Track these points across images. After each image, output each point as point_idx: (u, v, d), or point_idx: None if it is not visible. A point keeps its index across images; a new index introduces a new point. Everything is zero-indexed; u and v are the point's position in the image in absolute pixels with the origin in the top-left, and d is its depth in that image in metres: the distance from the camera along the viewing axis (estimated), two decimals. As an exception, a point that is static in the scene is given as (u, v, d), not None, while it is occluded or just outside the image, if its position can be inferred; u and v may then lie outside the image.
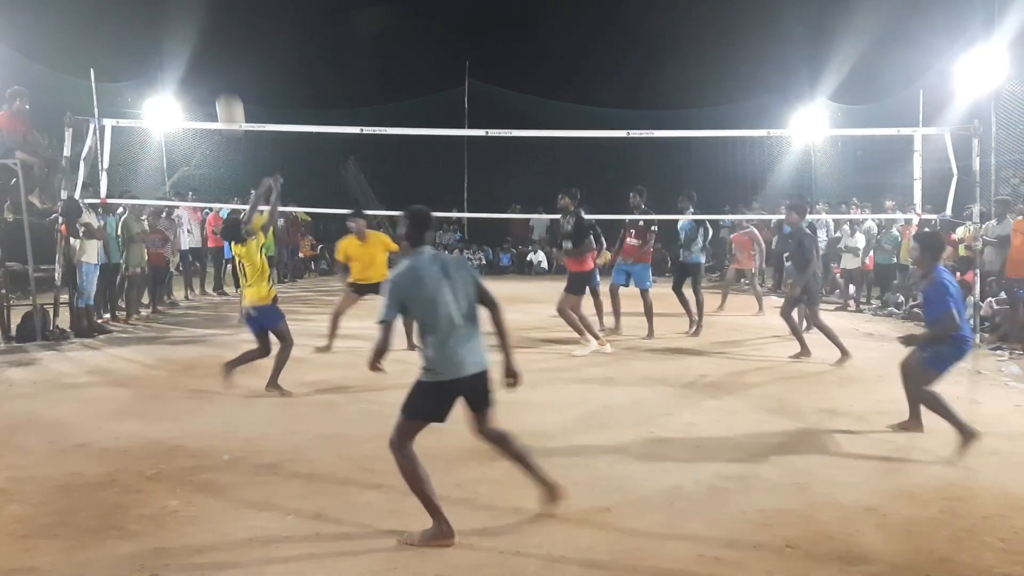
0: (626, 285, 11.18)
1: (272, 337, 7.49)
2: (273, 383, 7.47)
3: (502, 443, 4.61)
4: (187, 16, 20.10)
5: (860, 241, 14.48)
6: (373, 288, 8.89)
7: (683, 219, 11.79)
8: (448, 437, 6.12)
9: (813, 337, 9.66)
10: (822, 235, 15.63)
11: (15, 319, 10.31)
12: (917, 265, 6.57)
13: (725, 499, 4.91)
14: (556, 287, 14.72)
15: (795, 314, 9.59)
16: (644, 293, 11.06)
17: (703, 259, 12.03)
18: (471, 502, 4.81)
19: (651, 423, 6.64)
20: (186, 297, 15.25)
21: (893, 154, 14.48)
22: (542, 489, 4.58)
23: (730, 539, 4.32)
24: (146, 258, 12.56)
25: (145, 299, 13.26)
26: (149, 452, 5.68)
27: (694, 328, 11.31)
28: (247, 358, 7.56)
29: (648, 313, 11.00)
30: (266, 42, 24.45)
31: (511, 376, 4.59)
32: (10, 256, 10.35)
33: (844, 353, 9.14)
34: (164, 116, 17.73)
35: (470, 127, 22.08)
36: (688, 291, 11.53)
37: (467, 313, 4.41)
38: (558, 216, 9.68)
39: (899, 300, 13.63)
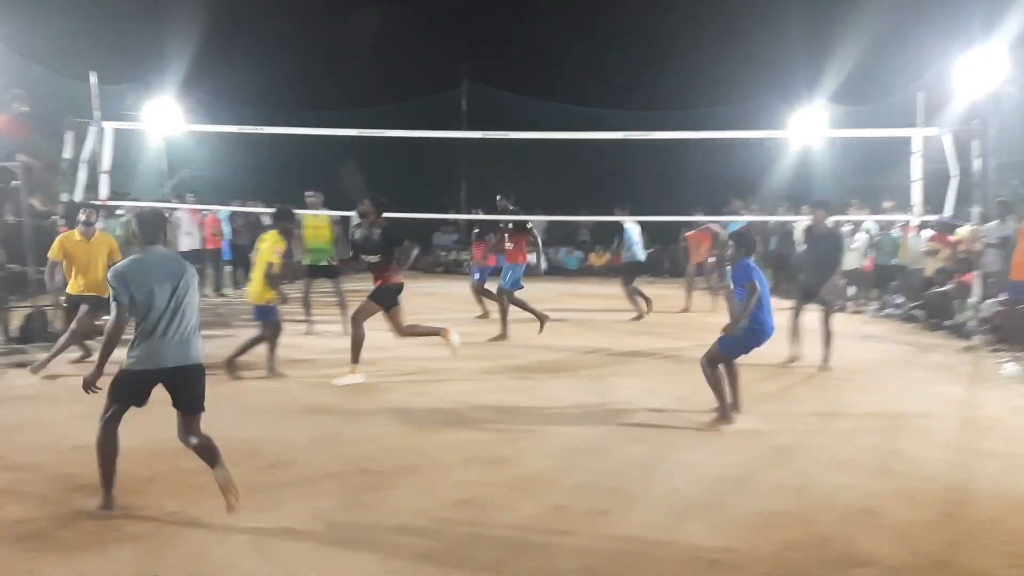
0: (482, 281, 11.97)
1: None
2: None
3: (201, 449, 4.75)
4: (187, 18, 20.10)
5: (860, 242, 14.48)
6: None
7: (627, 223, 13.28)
8: (447, 440, 6.15)
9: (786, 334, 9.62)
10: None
11: (15, 321, 10.31)
12: (730, 259, 7.04)
13: (722, 501, 4.93)
14: (553, 287, 14.80)
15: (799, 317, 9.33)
16: (501, 292, 11.29)
17: (643, 257, 13.73)
18: (468, 503, 4.82)
19: (647, 425, 6.65)
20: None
21: (892, 155, 14.44)
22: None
23: (727, 541, 4.33)
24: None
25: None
26: (148, 454, 5.69)
27: (638, 315, 12.86)
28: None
29: (503, 314, 11.13)
30: (265, 44, 24.47)
31: None
32: (11, 258, 10.36)
33: (825, 360, 8.97)
34: (164, 118, 17.73)
35: (468, 129, 22.10)
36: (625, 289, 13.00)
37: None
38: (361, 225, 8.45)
39: (898, 301, 13.63)
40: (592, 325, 12.50)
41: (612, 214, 13.48)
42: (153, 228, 4.87)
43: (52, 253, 8.97)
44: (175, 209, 14.71)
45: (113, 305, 4.66)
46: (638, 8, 25.26)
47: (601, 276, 22.09)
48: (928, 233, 13.35)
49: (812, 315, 9.20)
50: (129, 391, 4.73)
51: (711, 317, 13.07)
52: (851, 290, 14.82)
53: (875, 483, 5.28)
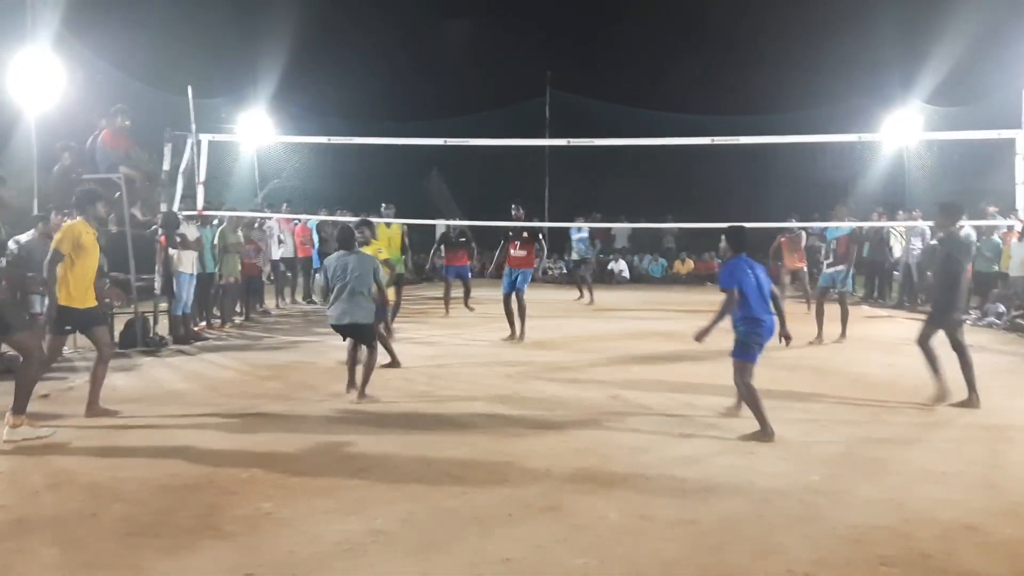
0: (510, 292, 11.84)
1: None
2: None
3: None
4: (279, 34, 20.73)
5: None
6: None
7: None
8: (533, 447, 6.15)
9: (883, 343, 9.32)
10: (917, 243, 15.17)
11: (118, 326, 10.75)
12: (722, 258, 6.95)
13: (815, 514, 4.80)
14: (637, 296, 14.72)
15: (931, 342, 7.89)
16: (519, 294, 11.75)
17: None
18: (555, 510, 4.81)
19: (737, 435, 6.53)
20: (277, 305, 15.67)
21: (992, 158, 13.90)
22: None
23: (821, 555, 4.21)
24: (240, 268, 12.97)
25: (238, 307, 13.69)
26: (244, 455, 5.86)
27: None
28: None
29: (522, 314, 11.73)
30: (353, 58, 25.01)
31: None
32: (114, 266, 10.82)
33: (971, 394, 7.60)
34: (257, 130, 18.26)
35: (551, 136, 22.14)
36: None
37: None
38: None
39: (1000, 310, 13.10)
40: (675, 335, 12.35)
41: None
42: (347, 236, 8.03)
43: None
44: (268, 218, 15.13)
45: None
46: (727, 11, 24.96)
47: (687, 284, 21.85)
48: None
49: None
50: None
51: (800, 323, 12.83)
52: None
53: (977, 498, 5.08)
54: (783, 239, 15.22)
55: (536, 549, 4.29)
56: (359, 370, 7.82)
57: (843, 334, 11.57)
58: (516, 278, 11.71)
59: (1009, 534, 4.51)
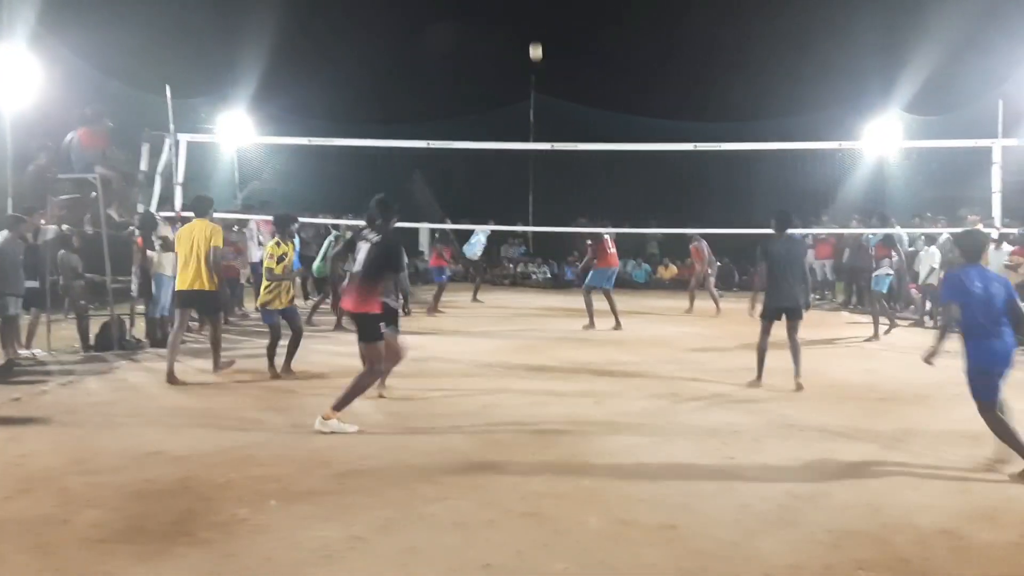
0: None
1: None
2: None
3: None
4: (259, 33, 20.57)
5: (935, 255, 14.09)
6: None
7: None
8: (513, 452, 6.14)
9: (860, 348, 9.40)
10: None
11: (94, 328, 10.63)
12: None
13: (794, 518, 4.81)
14: (620, 301, 14.72)
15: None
16: (607, 293, 13.34)
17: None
18: (535, 516, 4.79)
19: (717, 440, 6.54)
20: (256, 308, 15.52)
21: (970, 166, 14.06)
22: None
23: (799, 560, 4.22)
24: (219, 269, 12.85)
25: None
26: (220, 460, 5.80)
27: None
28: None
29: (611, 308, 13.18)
30: (335, 59, 24.88)
31: None
32: (90, 267, 10.71)
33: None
34: (236, 131, 18.15)
35: (535, 140, 22.15)
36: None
37: None
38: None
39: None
40: (657, 340, 12.40)
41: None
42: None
43: None
44: (247, 220, 15.02)
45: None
46: (709, 19, 25.08)
47: (670, 289, 21.86)
48: (1008, 246, 12.92)
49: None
50: None
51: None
52: (927, 305, 14.43)
53: (954, 503, 5.11)
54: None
55: (516, 555, 4.27)
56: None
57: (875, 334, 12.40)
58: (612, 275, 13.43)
59: (984, 538, 4.53)
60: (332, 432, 6.51)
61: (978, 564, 4.21)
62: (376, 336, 6.80)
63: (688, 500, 5.10)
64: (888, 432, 6.87)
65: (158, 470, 5.57)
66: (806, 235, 17.14)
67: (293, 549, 4.30)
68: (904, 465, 5.92)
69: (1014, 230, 11.90)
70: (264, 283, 9.06)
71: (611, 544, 4.41)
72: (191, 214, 12.70)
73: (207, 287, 8.74)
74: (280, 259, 8.97)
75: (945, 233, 14.16)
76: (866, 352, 11.13)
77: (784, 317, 8.69)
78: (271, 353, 9.05)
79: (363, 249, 6.93)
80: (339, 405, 6.62)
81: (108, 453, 5.98)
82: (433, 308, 15.20)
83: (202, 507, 4.86)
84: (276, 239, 9.12)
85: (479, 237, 17.95)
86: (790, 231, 8.86)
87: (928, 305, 14.39)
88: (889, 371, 9.67)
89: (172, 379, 8.47)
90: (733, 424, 7.07)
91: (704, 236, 15.81)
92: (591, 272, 13.56)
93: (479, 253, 18.35)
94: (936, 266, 14.07)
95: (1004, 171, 11.56)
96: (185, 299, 8.92)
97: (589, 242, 13.72)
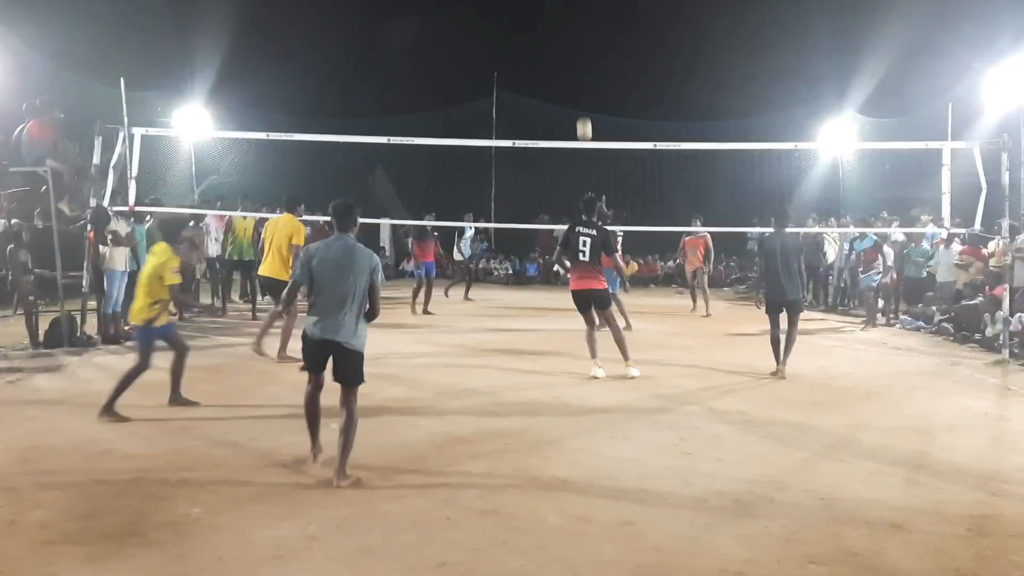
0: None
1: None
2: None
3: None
4: (217, 26, 20.31)
5: (889, 255, 14.35)
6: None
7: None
8: (472, 450, 6.12)
9: (816, 345, 9.56)
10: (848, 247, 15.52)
11: (43, 325, 10.42)
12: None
13: (748, 513, 4.86)
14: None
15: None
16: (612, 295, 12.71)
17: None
18: (494, 513, 4.79)
19: (675, 435, 6.59)
20: (212, 304, 15.34)
21: (922, 167, 14.34)
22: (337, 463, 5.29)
23: (753, 554, 4.27)
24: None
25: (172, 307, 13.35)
26: (173, 459, 5.72)
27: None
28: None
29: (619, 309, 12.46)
30: (295, 52, 24.70)
31: None
32: (39, 263, 10.48)
33: None
34: (193, 125, 17.88)
35: (498, 137, 22.14)
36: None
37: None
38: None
39: (928, 314, 13.47)
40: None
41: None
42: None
43: None
44: (203, 215, 14.83)
45: None
46: (670, 21, 25.28)
47: (631, 286, 22.01)
48: (959, 246, 13.20)
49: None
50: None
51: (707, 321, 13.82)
52: (880, 303, 14.67)
53: (903, 497, 5.20)
54: (686, 240, 15.75)
55: (474, 552, 4.26)
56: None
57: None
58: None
59: (933, 531, 4.62)
60: (633, 378, 8.73)
61: (927, 557, 4.29)
62: (609, 303, 9.23)
63: (645, 496, 5.14)
64: (839, 427, 6.97)
65: (108, 469, 5.47)
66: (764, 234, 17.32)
67: (247, 548, 4.25)
68: (855, 460, 6.01)
69: (963, 230, 12.14)
70: (148, 298, 7.07)
71: (569, 541, 4.43)
72: (149, 209, 12.60)
73: (279, 276, 9.60)
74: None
75: (898, 233, 14.42)
76: (819, 349, 11.29)
77: (785, 310, 9.21)
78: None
79: (583, 241, 8.89)
80: (626, 356, 9.02)
81: (57, 452, 5.87)
82: (414, 306, 14.93)
83: (154, 507, 4.78)
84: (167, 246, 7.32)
85: (470, 233, 17.64)
86: (788, 227, 9.53)
87: (881, 303, 14.64)
88: (841, 367, 9.83)
89: (283, 356, 9.31)
90: (690, 420, 7.14)
91: (649, 233, 15.59)
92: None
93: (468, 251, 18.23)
94: (891, 264, 14.34)
95: (953, 172, 11.77)
96: (263, 283, 10.58)
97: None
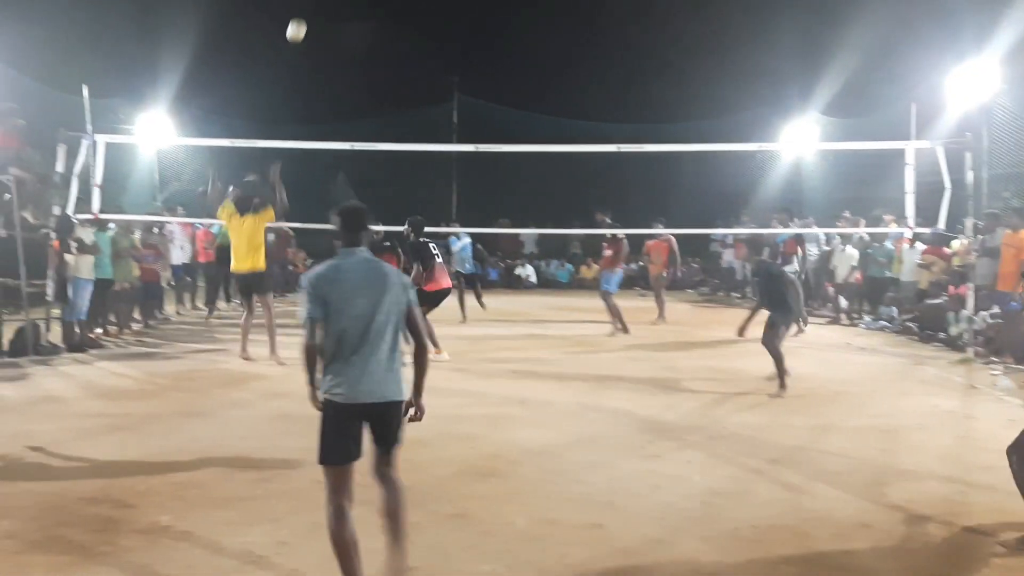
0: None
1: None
2: None
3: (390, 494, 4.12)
4: (180, 33, 20.09)
5: (853, 255, 14.52)
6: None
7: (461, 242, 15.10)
8: (440, 454, 6.12)
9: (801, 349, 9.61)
10: (813, 248, 15.66)
11: (7, 334, 10.25)
12: None
13: (718, 515, 4.90)
14: (544, 301, 14.85)
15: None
16: (605, 295, 12.93)
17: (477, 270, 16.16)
18: (462, 517, 4.79)
19: (642, 438, 6.63)
20: (177, 312, 15.20)
21: (885, 167, 14.52)
22: (390, 561, 3.96)
23: (723, 556, 4.30)
24: (136, 273, 12.53)
25: (137, 314, 13.23)
26: (141, 467, 5.66)
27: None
28: None
29: (611, 312, 12.82)
30: (257, 59, 24.46)
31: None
32: (3, 271, 10.31)
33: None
34: (157, 132, 17.69)
35: (459, 142, 22.12)
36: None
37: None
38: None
39: (892, 314, 13.65)
40: (581, 339, 12.50)
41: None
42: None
43: None
44: (167, 223, 14.68)
45: None
46: (631, 21, 25.40)
47: (592, 289, 22.09)
48: (921, 245, 13.38)
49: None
50: None
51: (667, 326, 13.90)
52: (843, 302, 14.85)
53: (870, 497, 5.26)
54: (649, 243, 15.33)
55: (443, 557, 4.27)
56: None
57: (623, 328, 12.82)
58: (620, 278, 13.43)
59: (901, 531, 4.69)
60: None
61: (896, 557, 4.35)
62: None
63: (614, 499, 5.16)
64: (807, 428, 7.05)
65: (76, 478, 5.40)
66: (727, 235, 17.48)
67: (217, 556, 4.22)
68: (823, 460, 6.08)
69: (927, 230, 12.31)
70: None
71: (538, 544, 4.44)
72: (113, 217, 12.43)
73: (257, 268, 9.98)
74: None
75: (862, 233, 14.59)
76: (784, 350, 11.38)
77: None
78: None
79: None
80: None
81: (23, 462, 5.79)
82: None
83: (122, 515, 4.73)
84: None
85: (465, 241, 15.76)
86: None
87: (844, 303, 14.82)
88: (807, 368, 9.92)
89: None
90: (658, 423, 7.18)
91: (627, 236, 14.13)
92: (603, 273, 13.29)
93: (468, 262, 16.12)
94: (855, 264, 14.51)
95: (917, 172, 11.94)
96: (244, 280, 10.31)
97: (606, 243, 13.29)
